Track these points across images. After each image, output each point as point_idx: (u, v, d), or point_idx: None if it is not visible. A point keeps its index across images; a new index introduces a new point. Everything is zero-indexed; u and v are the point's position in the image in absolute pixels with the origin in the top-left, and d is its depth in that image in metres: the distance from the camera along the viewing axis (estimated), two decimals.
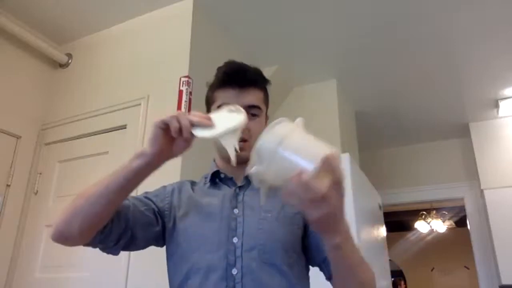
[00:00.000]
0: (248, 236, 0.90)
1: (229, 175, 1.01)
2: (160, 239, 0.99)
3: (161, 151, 0.77)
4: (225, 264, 0.87)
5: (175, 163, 1.85)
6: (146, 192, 1.03)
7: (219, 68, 1.03)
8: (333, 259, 0.74)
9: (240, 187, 0.99)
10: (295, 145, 0.64)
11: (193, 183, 1.08)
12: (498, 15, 2.37)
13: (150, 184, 1.97)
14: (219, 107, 0.95)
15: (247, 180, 0.98)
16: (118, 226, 0.88)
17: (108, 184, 0.81)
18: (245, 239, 0.90)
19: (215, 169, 1.03)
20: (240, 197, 0.97)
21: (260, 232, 0.90)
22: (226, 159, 0.97)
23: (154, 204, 0.98)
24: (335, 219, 0.64)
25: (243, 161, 0.97)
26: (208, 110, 1.02)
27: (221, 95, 0.98)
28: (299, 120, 0.73)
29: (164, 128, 0.75)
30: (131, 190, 0.83)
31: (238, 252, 0.88)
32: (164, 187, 1.06)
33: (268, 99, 1.08)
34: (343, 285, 0.81)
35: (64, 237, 0.85)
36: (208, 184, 1.03)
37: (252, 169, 0.66)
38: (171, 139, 0.77)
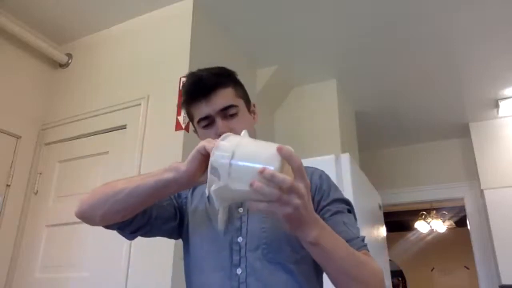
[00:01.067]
0: (252, 235, 0.90)
1: None
2: (175, 233, 1.02)
3: (193, 173, 0.77)
4: (229, 264, 0.88)
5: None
6: None
7: (183, 85, 1.03)
8: (317, 257, 0.74)
9: None
10: (248, 152, 0.65)
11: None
12: (498, 15, 2.37)
13: None
14: (198, 122, 0.98)
15: None
16: (140, 219, 0.91)
17: (137, 186, 0.82)
18: (249, 238, 0.90)
19: None
20: None
21: (263, 230, 0.90)
22: None
23: (175, 199, 1.01)
24: (306, 210, 0.64)
25: None
26: (192, 123, 1.03)
27: (194, 111, 0.98)
28: (244, 132, 0.75)
29: (205, 154, 0.74)
30: (156, 199, 0.86)
31: (243, 252, 0.89)
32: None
33: (243, 90, 1.05)
34: (342, 286, 0.78)
35: (86, 218, 0.89)
36: None
37: (212, 188, 0.66)
38: (206, 168, 0.77)
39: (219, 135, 0.94)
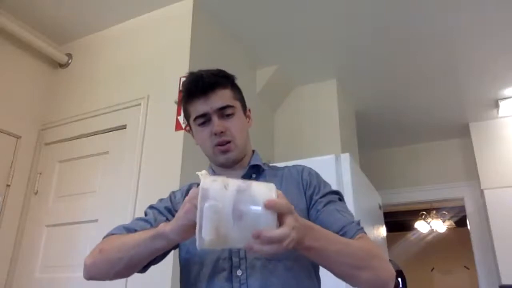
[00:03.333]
0: (251, 268, 0.88)
1: None
2: (176, 246, 1.00)
3: (184, 238, 0.77)
4: (229, 265, 0.88)
5: (175, 163, 1.86)
6: (152, 208, 1.04)
7: (183, 83, 1.04)
8: (315, 258, 0.77)
9: None
10: (233, 210, 0.65)
11: (193, 184, 1.08)
12: (498, 15, 2.37)
13: (151, 184, 1.97)
14: (195, 119, 0.99)
15: (244, 178, 0.98)
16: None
17: (132, 256, 0.84)
18: (248, 272, 0.88)
19: (212, 174, 1.03)
20: None
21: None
22: (220, 164, 1.01)
23: (166, 218, 1.00)
24: (301, 232, 0.69)
25: (234, 162, 1.01)
26: (188, 121, 1.04)
27: (191, 107, 1.00)
28: (204, 172, 0.75)
29: (193, 224, 0.73)
30: (154, 256, 0.86)
31: (242, 254, 0.89)
32: (174, 193, 1.07)
33: (240, 94, 1.07)
34: (352, 282, 0.82)
35: (95, 278, 0.92)
36: None
37: (206, 205, 0.65)
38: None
39: (215, 134, 0.96)
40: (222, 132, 0.96)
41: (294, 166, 1.08)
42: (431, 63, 2.86)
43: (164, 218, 0.99)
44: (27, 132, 2.31)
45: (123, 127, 2.11)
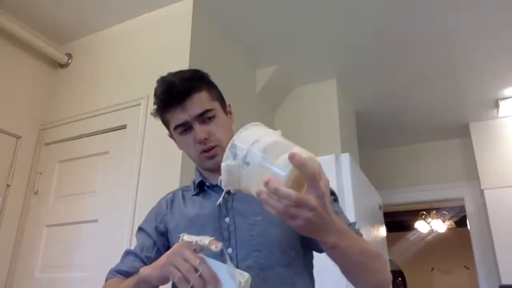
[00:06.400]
0: (242, 244, 0.89)
1: (214, 183, 1.00)
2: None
3: (164, 283, 0.77)
4: None
5: (175, 163, 1.86)
6: (141, 231, 1.05)
7: (154, 92, 1.00)
8: (335, 258, 0.73)
9: (228, 192, 0.96)
10: (266, 148, 0.64)
11: (184, 190, 1.08)
12: (498, 15, 2.37)
13: (151, 184, 1.97)
14: (175, 128, 0.98)
15: None
16: None
17: None
18: (239, 248, 0.89)
19: (199, 178, 1.03)
20: (229, 204, 0.95)
21: (252, 238, 0.89)
22: (209, 169, 0.99)
23: (156, 235, 1.01)
24: (320, 221, 0.62)
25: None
26: (168, 129, 1.03)
27: (170, 117, 0.98)
28: (278, 131, 0.72)
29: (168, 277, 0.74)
30: None
31: (234, 263, 0.87)
32: (160, 205, 1.07)
33: (217, 91, 1.03)
34: (359, 284, 0.80)
35: None
36: (197, 190, 1.03)
37: (224, 163, 0.67)
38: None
39: (199, 141, 0.94)
40: (206, 138, 0.94)
41: None
42: (431, 63, 2.86)
43: (152, 242, 1.00)
44: (27, 132, 2.31)
45: (123, 127, 2.11)
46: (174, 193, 1.09)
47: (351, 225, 0.90)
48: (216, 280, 0.68)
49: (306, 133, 2.94)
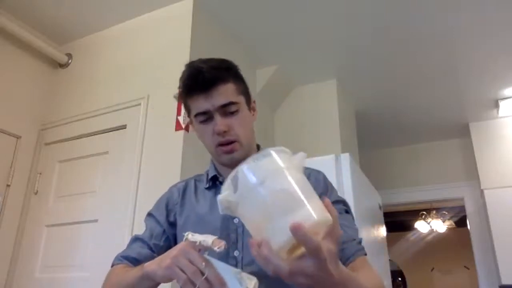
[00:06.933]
0: (247, 248, 0.85)
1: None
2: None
3: (169, 280, 0.76)
4: None
5: (175, 163, 1.86)
6: (150, 216, 1.04)
7: (181, 76, 0.97)
8: None
9: None
10: (275, 193, 0.56)
11: (197, 180, 1.05)
12: (498, 15, 2.37)
13: (151, 184, 1.97)
14: (196, 116, 0.94)
15: None
16: None
17: None
18: (245, 252, 0.87)
19: (213, 172, 1.01)
20: None
21: None
22: (223, 163, 0.97)
23: (166, 225, 1.00)
24: (320, 283, 0.57)
25: (238, 162, 0.93)
26: (189, 115, 1.00)
27: (192, 104, 0.94)
28: (300, 155, 0.63)
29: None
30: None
31: (239, 267, 0.86)
32: (171, 192, 1.05)
33: (244, 85, 0.99)
34: None
35: None
36: (210, 184, 1.01)
37: (221, 195, 0.62)
38: None
39: (217, 133, 0.90)
40: (225, 131, 0.91)
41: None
42: (431, 63, 2.86)
43: (161, 230, 0.99)
44: (27, 132, 2.31)
45: (123, 127, 2.11)
46: (186, 182, 1.06)
47: (354, 241, 0.85)
48: (222, 284, 0.67)
49: (306, 133, 2.94)
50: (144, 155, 1.98)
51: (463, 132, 3.84)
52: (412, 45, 2.66)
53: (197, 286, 0.66)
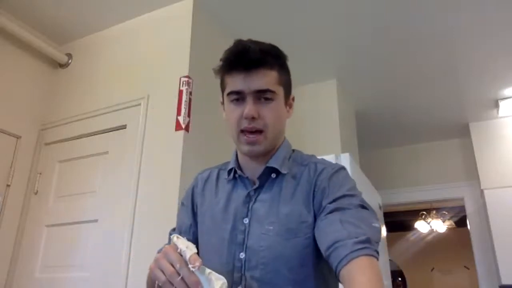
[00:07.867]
0: (252, 253, 0.85)
1: (244, 175, 0.94)
2: None
3: None
4: (230, 281, 0.83)
5: (175, 163, 1.86)
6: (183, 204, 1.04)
7: (225, 51, 0.92)
8: None
9: (255, 189, 0.92)
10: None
11: (221, 169, 1.02)
12: (498, 15, 2.37)
13: (151, 184, 1.96)
14: (228, 94, 0.89)
15: (261, 180, 0.92)
16: None
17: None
18: (248, 255, 0.85)
19: (233, 164, 0.96)
20: (251, 204, 0.90)
21: (261, 249, 0.84)
22: (243, 152, 0.92)
23: (190, 224, 1.00)
24: None
25: (258, 155, 0.91)
26: (222, 94, 0.95)
27: (229, 80, 0.89)
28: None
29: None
30: None
31: (243, 270, 0.85)
32: (196, 181, 1.05)
33: (288, 78, 0.94)
34: None
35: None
36: (231, 176, 0.97)
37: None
38: None
39: (245, 117, 0.85)
40: (253, 118, 0.85)
41: (317, 163, 0.98)
42: (431, 63, 2.86)
43: (188, 224, 1.00)
44: (27, 132, 2.31)
45: (123, 127, 2.11)
46: (210, 172, 1.03)
47: (354, 239, 0.72)
48: (197, 284, 0.69)
49: (306, 133, 2.94)
50: (144, 155, 1.98)
51: (463, 132, 3.84)
52: (412, 45, 2.66)
53: (174, 286, 0.69)
